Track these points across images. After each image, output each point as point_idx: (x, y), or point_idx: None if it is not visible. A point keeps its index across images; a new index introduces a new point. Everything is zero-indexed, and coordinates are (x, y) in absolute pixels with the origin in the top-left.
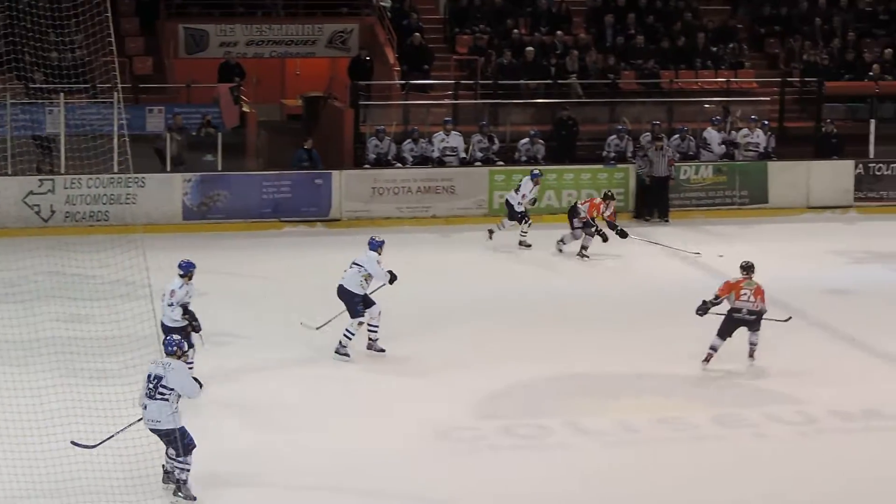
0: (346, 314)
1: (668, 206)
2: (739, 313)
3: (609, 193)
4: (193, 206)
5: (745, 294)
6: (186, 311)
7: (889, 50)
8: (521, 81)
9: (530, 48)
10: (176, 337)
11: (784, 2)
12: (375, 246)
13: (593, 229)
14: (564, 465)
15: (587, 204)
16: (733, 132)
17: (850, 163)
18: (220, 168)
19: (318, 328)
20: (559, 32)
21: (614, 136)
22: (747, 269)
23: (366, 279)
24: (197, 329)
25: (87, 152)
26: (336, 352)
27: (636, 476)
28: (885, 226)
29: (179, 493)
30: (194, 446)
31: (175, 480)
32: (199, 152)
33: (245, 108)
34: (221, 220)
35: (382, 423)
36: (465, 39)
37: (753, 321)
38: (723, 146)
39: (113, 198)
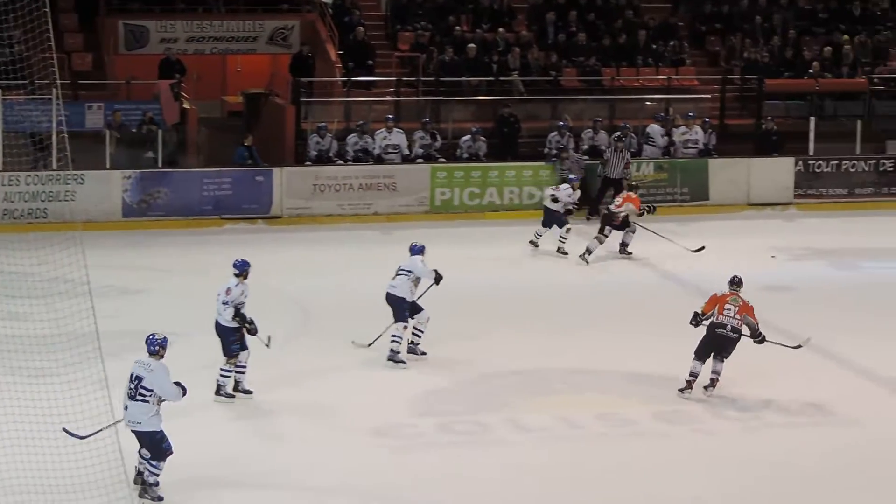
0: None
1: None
2: (722, 329)
3: (634, 185)
4: (133, 204)
5: (728, 309)
6: (238, 312)
7: (828, 48)
8: (463, 78)
9: (472, 45)
10: (159, 336)
11: (725, 0)
12: (417, 251)
13: (645, 210)
14: (501, 462)
15: (627, 203)
16: (672, 129)
17: (789, 160)
18: (160, 165)
19: (369, 345)
20: (501, 30)
21: (555, 133)
22: (735, 283)
23: (414, 284)
24: (253, 332)
25: (26, 149)
26: (389, 359)
27: (574, 472)
28: (825, 223)
29: (146, 495)
30: (171, 453)
31: (143, 482)
32: (139, 149)
33: (185, 105)
34: (161, 217)
35: (321, 420)
36: (407, 36)
37: (733, 341)
38: (665, 138)
39: (52, 195)
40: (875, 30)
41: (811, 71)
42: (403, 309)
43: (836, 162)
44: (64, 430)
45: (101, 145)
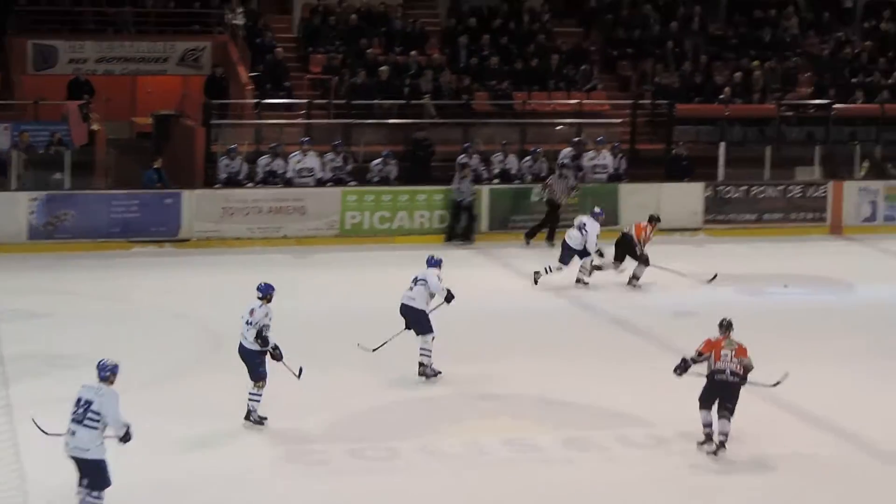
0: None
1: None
2: (722, 375)
3: (655, 216)
4: (40, 226)
5: (725, 354)
6: (260, 334)
7: (739, 73)
8: (375, 101)
9: (384, 68)
10: (110, 362)
11: (636, 25)
12: (434, 263)
13: (637, 250)
14: (407, 488)
15: (637, 227)
16: (582, 154)
17: (699, 185)
18: (68, 186)
19: (374, 350)
20: (413, 53)
21: (463, 156)
22: (726, 326)
23: (430, 296)
24: (277, 357)
25: None
26: (420, 374)
27: (481, 498)
28: (734, 248)
29: None
30: (110, 484)
31: None
32: (46, 170)
33: (94, 126)
34: (69, 239)
35: (228, 444)
36: (319, 59)
37: (735, 386)
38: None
39: None
40: (784, 56)
41: (721, 96)
42: (426, 320)
43: (746, 188)
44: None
45: (8, 166)
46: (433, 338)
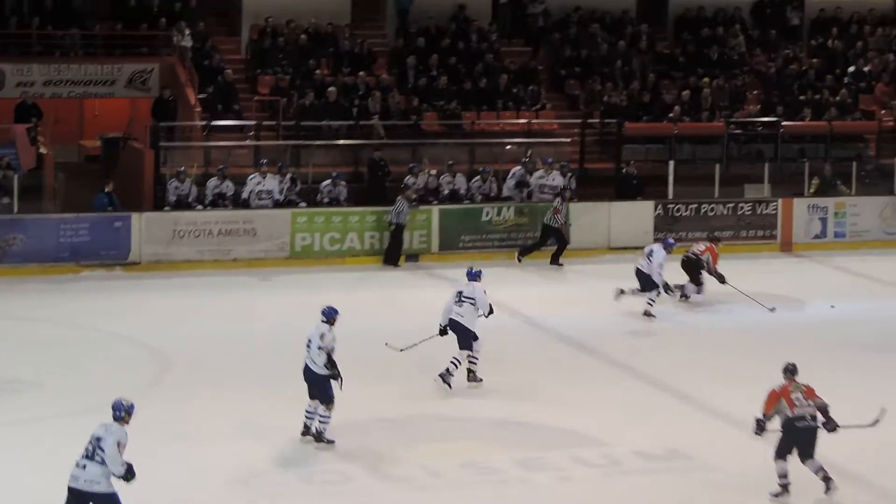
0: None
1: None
2: (804, 421)
3: (716, 236)
4: None
5: (797, 399)
6: (331, 358)
7: (687, 92)
8: (324, 122)
9: (333, 89)
10: (126, 403)
11: (584, 44)
12: (475, 276)
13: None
14: None
15: (707, 254)
16: (531, 173)
17: (649, 203)
18: (16, 211)
19: (402, 350)
20: (362, 73)
21: (409, 177)
22: (791, 371)
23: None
24: (336, 377)
25: None
26: (440, 376)
27: None
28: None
29: None
30: None
31: None
32: None
33: (42, 150)
34: (18, 263)
35: (183, 468)
36: (268, 80)
37: (815, 430)
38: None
39: None
40: (732, 74)
41: (670, 115)
42: (469, 337)
43: (696, 205)
44: None
45: None
46: (468, 355)
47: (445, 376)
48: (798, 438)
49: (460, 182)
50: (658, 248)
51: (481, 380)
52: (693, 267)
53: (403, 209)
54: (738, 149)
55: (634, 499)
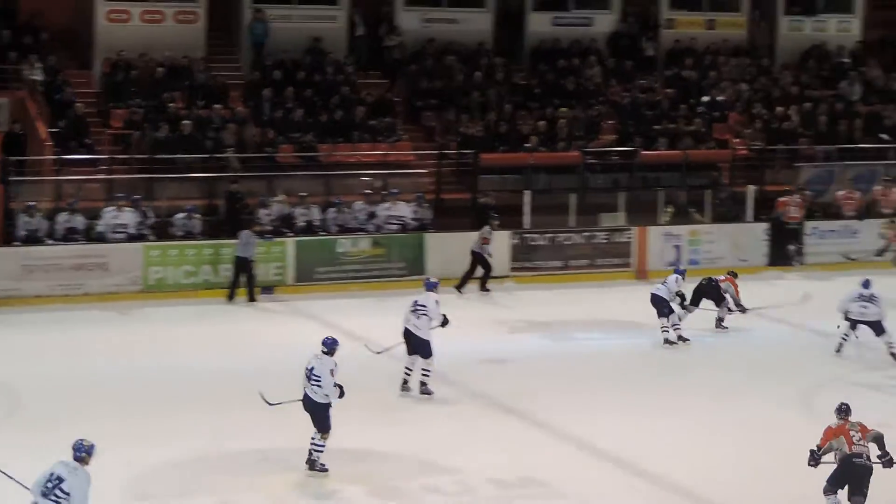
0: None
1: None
2: (860, 459)
3: (734, 273)
4: None
5: (856, 437)
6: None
7: (543, 122)
8: (178, 156)
9: (187, 122)
10: (87, 443)
11: (440, 75)
12: (432, 286)
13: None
14: None
15: (728, 282)
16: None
17: (505, 233)
18: None
19: (378, 353)
20: (217, 106)
21: (265, 210)
22: (845, 411)
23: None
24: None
25: None
26: (421, 392)
27: None
28: (540, 295)
29: None
30: None
31: None
32: None
33: None
34: None
35: None
36: (121, 113)
37: (870, 469)
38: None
39: None
40: (588, 104)
41: (526, 145)
42: (428, 346)
43: (551, 235)
44: None
45: None
46: (434, 360)
47: (423, 389)
48: (850, 475)
49: (315, 214)
50: (672, 276)
51: (433, 392)
52: (710, 292)
53: (251, 242)
54: (594, 178)
55: None
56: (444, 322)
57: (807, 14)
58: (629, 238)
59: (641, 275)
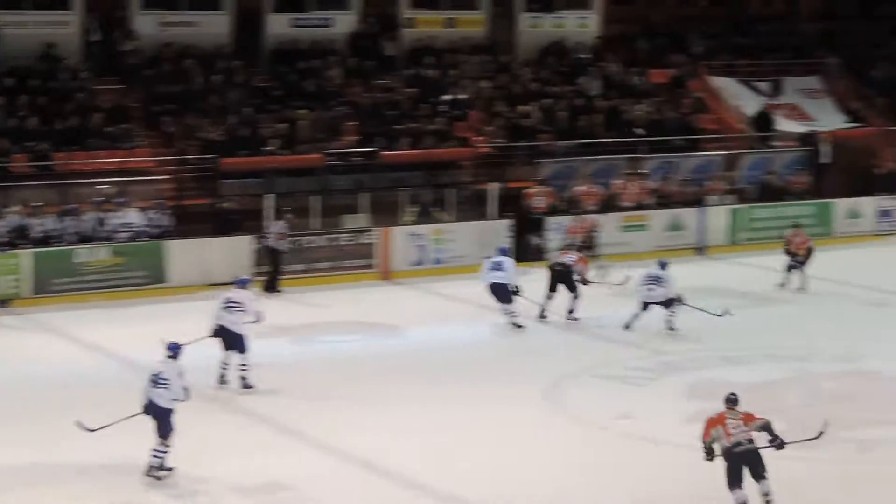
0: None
1: None
2: (740, 447)
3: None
4: None
5: (732, 424)
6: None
7: (284, 125)
8: None
9: None
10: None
11: (178, 80)
12: (246, 283)
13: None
14: None
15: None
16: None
17: (248, 238)
18: None
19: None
20: None
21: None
22: (732, 401)
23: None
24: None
25: None
26: (244, 387)
27: None
28: (286, 298)
29: None
30: None
31: None
32: None
33: None
34: None
35: None
36: None
37: (755, 451)
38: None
39: None
40: (329, 106)
41: (267, 148)
42: (242, 342)
43: (294, 238)
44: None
45: None
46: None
47: (245, 383)
48: (739, 463)
49: (51, 224)
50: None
51: (254, 385)
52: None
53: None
54: (336, 180)
55: None
56: (258, 319)
57: (545, 11)
58: (373, 239)
59: (386, 275)
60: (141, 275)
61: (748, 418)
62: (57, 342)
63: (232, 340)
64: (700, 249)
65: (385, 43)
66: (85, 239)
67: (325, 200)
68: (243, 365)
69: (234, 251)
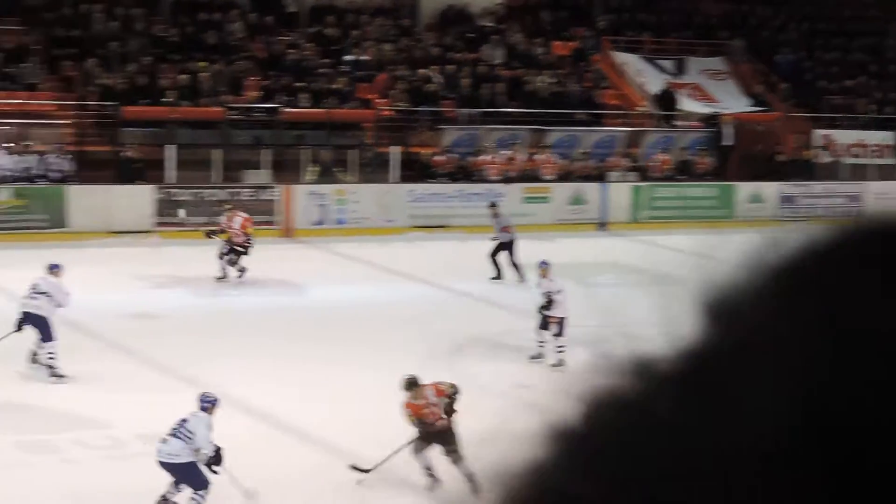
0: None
1: None
2: (433, 427)
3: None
4: None
5: (429, 409)
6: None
7: (184, 76)
8: None
9: None
10: (211, 396)
11: (78, 24)
12: (55, 268)
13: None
14: None
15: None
16: None
17: (150, 187)
18: None
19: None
20: None
21: None
22: (411, 384)
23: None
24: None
25: None
26: (52, 375)
27: None
28: (185, 250)
29: None
30: None
31: None
32: None
33: None
34: None
35: None
36: None
37: (447, 428)
38: None
39: None
40: (231, 60)
41: (171, 99)
42: (50, 329)
43: (196, 191)
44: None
45: None
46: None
47: (54, 372)
48: (427, 442)
49: None
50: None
51: (64, 375)
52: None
53: None
54: (237, 135)
55: (140, 480)
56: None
57: None
58: (275, 196)
59: (288, 233)
60: (42, 218)
61: (440, 392)
62: None
63: (41, 327)
64: (602, 225)
65: None
66: None
67: (227, 155)
68: (50, 353)
69: (136, 200)
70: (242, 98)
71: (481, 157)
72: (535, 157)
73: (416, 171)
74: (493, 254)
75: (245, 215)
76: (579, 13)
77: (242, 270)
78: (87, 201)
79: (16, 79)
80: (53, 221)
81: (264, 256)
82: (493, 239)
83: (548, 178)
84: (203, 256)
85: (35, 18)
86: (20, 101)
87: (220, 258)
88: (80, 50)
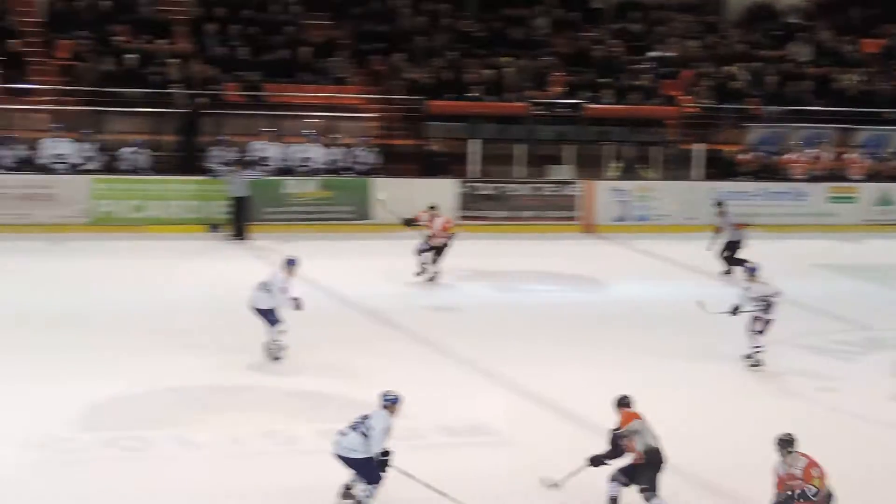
0: None
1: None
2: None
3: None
4: None
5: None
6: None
7: (490, 71)
8: (123, 89)
9: (132, 56)
10: (392, 394)
11: (385, 19)
12: (293, 263)
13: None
14: (166, 478)
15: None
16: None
17: (453, 181)
18: None
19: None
20: (161, 41)
21: (218, 148)
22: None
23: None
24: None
25: None
26: (274, 358)
27: (242, 489)
28: (488, 245)
29: None
30: None
31: None
32: None
33: None
34: None
35: None
36: (66, 45)
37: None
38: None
39: None
40: (535, 55)
41: (476, 94)
42: (273, 317)
43: (499, 185)
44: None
45: None
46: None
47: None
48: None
49: (272, 152)
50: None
51: (281, 357)
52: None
53: (242, 180)
54: (540, 130)
55: (434, 470)
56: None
57: None
58: (577, 191)
59: (589, 228)
60: (347, 210)
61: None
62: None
63: (264, 316)
64: None
65: None
66: (289, 171)
67: (530, 150)
68: (276, 339)
69: (439, 193)
70: (546, 93)
71: (786, 156)
72: (843, 156)
73: (719, 168)
74: (723, 252)
75: (447, 216)
76: (891, 10)
77: (435, 274)
78: (392, 194)
79: (325, 73)
80: (358, 213)
81: (565, 251)
82: (720, 238)
83: (855, 177)
84: (505, 251)
85: (343, 13)
86: (329, 95)
87: (418, 254)
88: (387, 45)
